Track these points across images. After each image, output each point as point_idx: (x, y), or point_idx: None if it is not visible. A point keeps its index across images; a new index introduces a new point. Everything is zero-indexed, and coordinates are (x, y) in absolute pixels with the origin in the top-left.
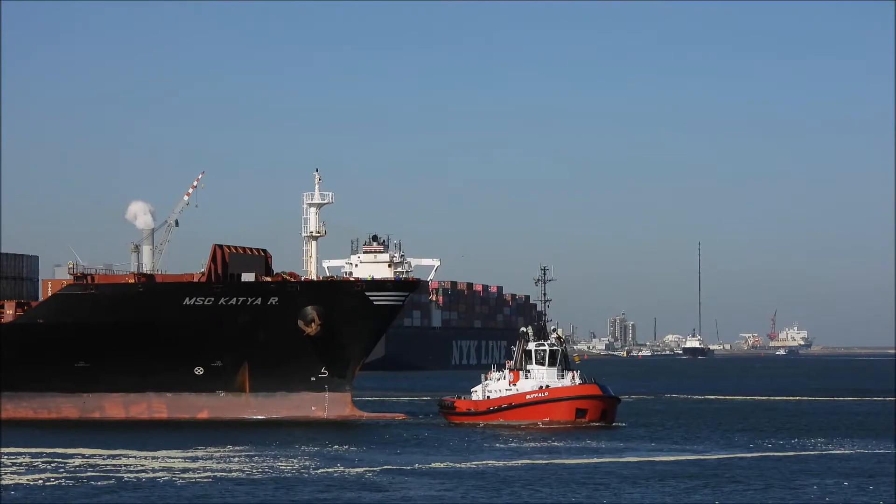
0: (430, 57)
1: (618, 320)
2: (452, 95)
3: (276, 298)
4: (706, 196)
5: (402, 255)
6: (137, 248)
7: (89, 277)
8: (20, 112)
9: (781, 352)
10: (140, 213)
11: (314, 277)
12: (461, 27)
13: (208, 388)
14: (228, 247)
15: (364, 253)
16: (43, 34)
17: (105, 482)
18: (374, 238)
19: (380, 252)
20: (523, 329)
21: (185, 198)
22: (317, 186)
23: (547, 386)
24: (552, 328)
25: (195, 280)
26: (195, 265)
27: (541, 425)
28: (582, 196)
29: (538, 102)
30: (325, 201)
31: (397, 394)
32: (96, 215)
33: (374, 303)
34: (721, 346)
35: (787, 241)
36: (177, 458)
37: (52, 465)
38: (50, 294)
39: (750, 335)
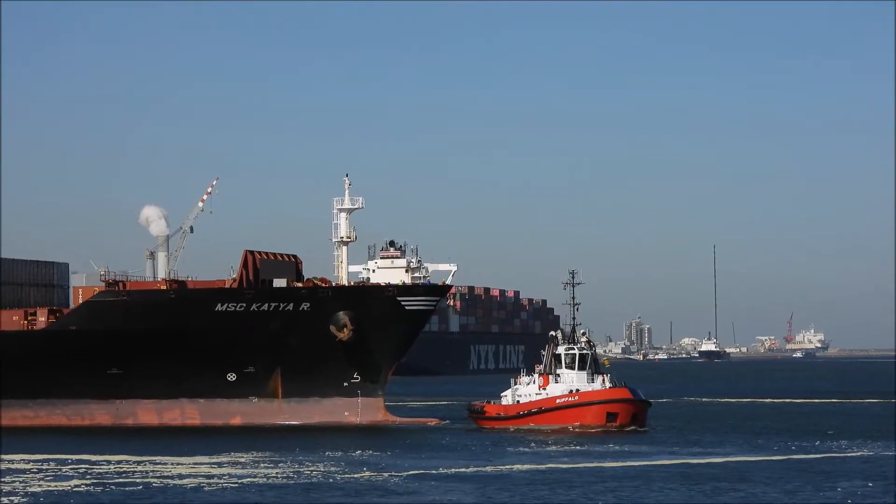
0: (431, 56)
1: (634, 324)
2: (458, 97)
3: (308, 304)
4: (721, 198)
5: (418, 261)
6: (153, 255)
7: (121, 284)
8: (26, 115)
9: (798, 354)
10: (153, 219)
11: (345, 283)
12: (479, 26)
13: (241, 393)
14: (260, 252)
15: (381, 258)
16: (59, 35)
17: (132, 488)
18: (391, 244)
19: (397, 258)
20: (552, 333)
21: (200, 204)
22: (347, 192)
23: (577, 390)
24: (581, 332)
25: (227, 286)
26: (212, 271)
27: (571, 429)
28: (598, 200)
29: (552, 105)
30: (356, 206)
31: (418, 399)
32: (107, 220)
33: (406, 308)
34: (737, 349)
35: (803, 243)
36: (204, 463)
37: (80, 470)
38: (81, 301)
39: (766, 338)
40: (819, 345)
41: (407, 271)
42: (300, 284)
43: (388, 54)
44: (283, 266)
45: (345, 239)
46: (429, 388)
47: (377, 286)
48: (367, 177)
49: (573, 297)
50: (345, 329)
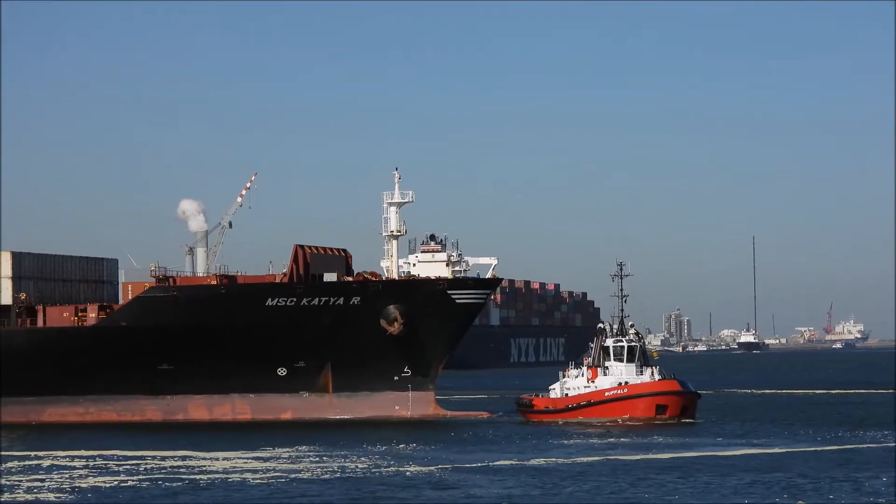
0: (472, 54)
1: (673, 316)
2: (500, 93)
3: (359, 298)
4: (760, 189)
5: (459, 255)
6: (192, 251)
7: (171, 280)
8: (68, 111)
9: (838, 345)
10: (191, 214)
11: (395, 277)
12: (521, 26)
13: (291, 388)
14: (310, 247)
15: (422, 252)
16: (97, 31)
17: (177, 483)
18: (432, 237)
19: (437, 251)
20: (601, 325)
21: (239, 199)
22: (397, 186)
23: (626, 382)
24: (630, 324)
25: (277, 281)
26: (251, 266)
27: (620, 422)
28: (639, 192)
29: (592, 102)
30: (406, 200)
31: (461, 392)
32: (144, 216)
33: (456, 301)
34: (777, 341)
35: (843, 233)
36: (248, 458)
37: (124, 467)
38: (131, 297)
39: (806, 329)
40: (859, 335)
41: (447, 265)
42: (350, 279)
43: (427, 53)
44: (334, 260)
45: (395, 233)
46: (471, 381)
47: (428, 280)
48: (408, 171)
49: (621, 290)
50: (395, 323)
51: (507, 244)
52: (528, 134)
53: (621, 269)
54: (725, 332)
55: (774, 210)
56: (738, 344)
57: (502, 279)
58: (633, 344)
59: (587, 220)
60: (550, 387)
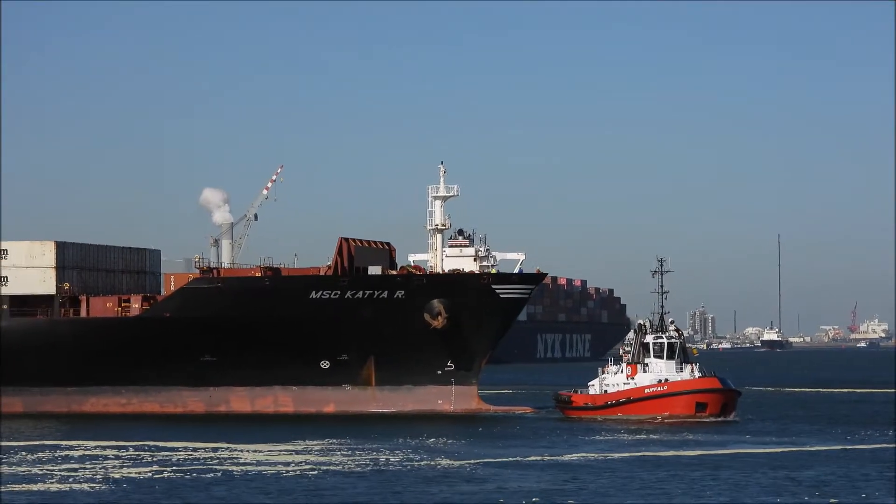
0: (495, 47)
1: (697, 313)
2: (529, 86)
3: (403, 292)
4: (786, 188)
5: (487, 250)
6: (217, 242)
7: (216, 271)
8: (95, 102)
9: (862, 344)
10: (215, 204)
11: (439, 270)
12: (567, 19)
13: (334, 381)
14: (354, 240)
15: (450, 247)
16: (126, 22)
17: (211, 475)
18: (460, 232)
19: (465, 246)
20: (640, 322)
21: (264, 192)
22: (442, 179)
23: (666, 379)
24: (670, 320)
25: (321, 273)
26: (276, 258)
27: (660, 420)
28: (666, 190)
29: (621, 98)
30: (451, 194)
31: (494, 387)
32: (167, 205)
33: (501, 296)
34: (801, 339)
35: (868, 232)
36: (281, 450)
37: (157, 458)
38: (173, 288)
39: (830, 328)
40: (883, 335)
41: (475, 260)
42: (395, 272)
43: (449, 47)
44: (378, 254)
45: (439, 226)
46: (500, 376)
47: (472, 274)
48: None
49: (661, 285)
50: (439, 317)
51: (534, 239)
52: (557, 129)
53: (661, 265)
54: (750, 330)
55: (800, 208)
56: (762, 342)
57: (546, 274)
58: (673, 340)
59: (614, 217)
60: (589, 383)
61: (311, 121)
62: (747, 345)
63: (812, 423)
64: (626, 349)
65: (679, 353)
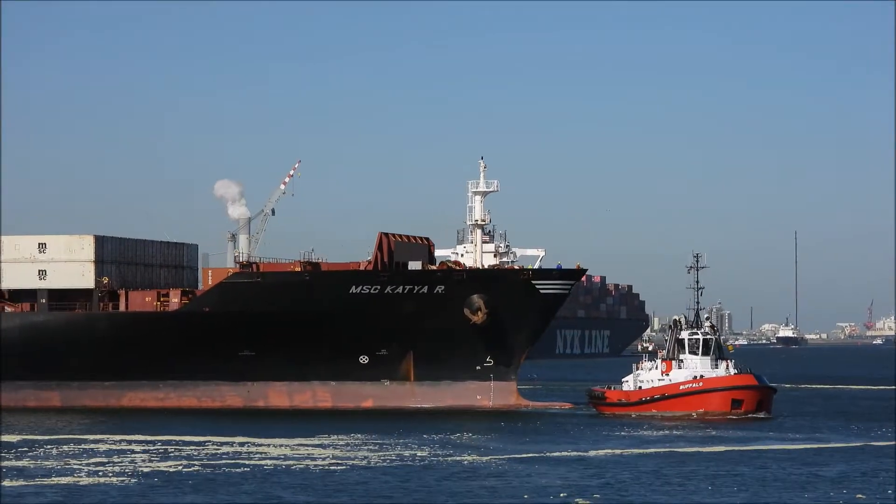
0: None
1: (714, 309)
2: (548, 83)
3: (443, 287)
4: (802, 185)
5: (507, 246)
6: (234, 237)
7: (255, 266)
8: (109, 94)
9: (878, 341)
10: (231, 198)
11: (479, 266)
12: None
13: (373, 376)
14: (394, 235)
15: (470, 243)
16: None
17: (240, 469)
18: (470, 228)
19: (485, 242)
20: (675, 317)
21: (282, 187)
22: (482, 174)
23: (701, 376)
24: (705, 316)
25: (362, 268)
26: (288, 253)
27: (695, 416)
28: (683, 188)
29: (636, 95)
30: (491, 189)
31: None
32: (181, 197)
33: (541, 291)
34: (817, 336)
35: (884, 229)
36: (305, 445)
37: (184, 453)
38: (211, 282)
39: (847, 325)
40: None
41: (495, 256)
42: (434, 267)
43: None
44: (417, 249)
45: (479, 222)
46: (525, 370)
47: (512, 269)
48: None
49: (697, 281)
50: (479, 312)
51: (554, 234)
52: (575, 127)
53: (697, 261)
54: (766, 327)
55: (817, 205)
56: (777, 338)
57: (586, 270)
58: (708, 337)
59: (632, 213)
60: (623, 379)
61: (328, 118)
62: (763, 341)
63: (848, 420)
64: (645, 344)
65: (714, 349)
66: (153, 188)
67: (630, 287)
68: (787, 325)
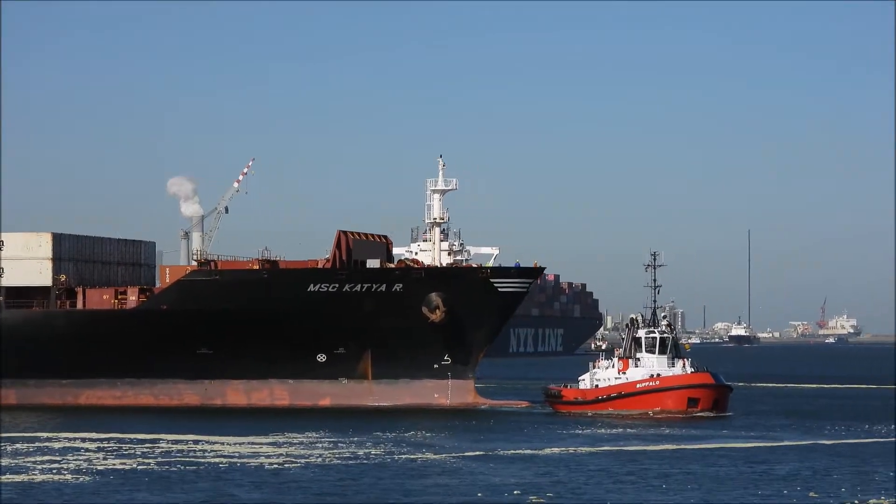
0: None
1: (668, 308)
2: (506, 83)
3: (401, 285)
4: (756, 182)
5: (461, 244)
6: (187, 235)
7: (213, 263)
8: (63, 90)
9: (830, 340)
10: (184, 196)
11: (438, 264)
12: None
13: (330, 375)
14: (353, 233)
15: (423, 241)
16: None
17: (194, 467)
18: (428, 226)
19: (440, 241)
20: (633, 316)
21: (235, 185)
22: (441, 173)
23: (658, 374)
24: (662, 315)
25: (320, 266)
26: (241, 251)
27: (651, 415)
28: (636, 186)
29: (587, 99)
30: (450, 188)
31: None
32: (132, 195)
33: (499, 290)
34: (770, 335)
35: (837, 228)
36: (259, 443)
37: (139, 450)
38: (169, 280)
39: (799, 323)
40: (852, 330)
41: (449, 254)
42: (392, 265)
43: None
44: (376, 247)
45: (438, 220)
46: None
47: (470, 268)
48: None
49: (654, 279)
50: (437, 311)
51: (507, 234)
52: (528, 124)
53: (654, 259)
54: (719, 325)
55: (771, 204)
56: (730, 337)
57: (544, 269)
58: (665, 335)
59: (586, 212)
60: (580, 377)
61: (281, 116)
62: (716, 340)
63: (801, 418)
64: (599, 343)
65: (671, 347)
66: (108, 185)
67: (584, 286)
68: (739, 323)
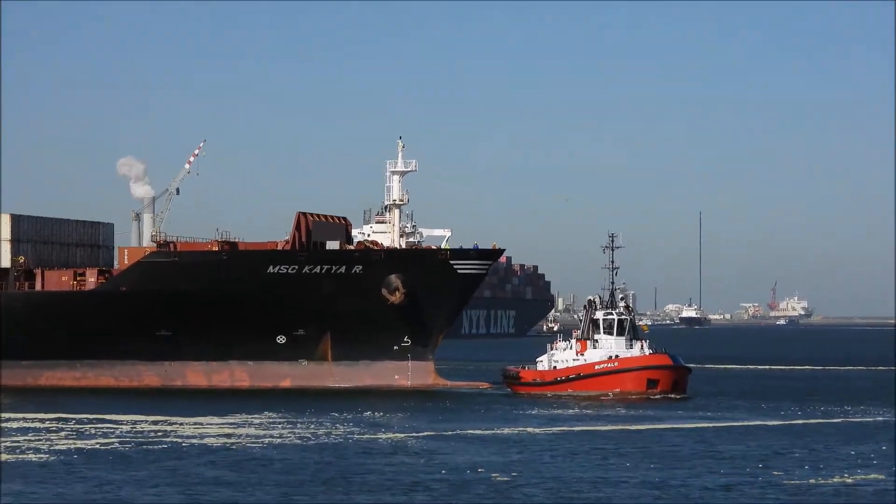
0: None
1: (618, 289)
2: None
3: (361, 267)
4: (707, 164)
5: (413, 226)
6: (138, 217)
7: (172, 245)
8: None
9: (781, 322)
10: (133, 176)
11: (397, 246)
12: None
13: (291, 356)
14: (312, 214)
15: (376, 223)
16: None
17: (156, 447)
18: (387, 208)
19: (399, 223)
20: (590, 297)
21: (187, 166)
22: (400, 154)
23: (616, 356)
24: (620, 297)
25: (279, 248)
26: (197, 232)
27: (610, 396)
28: (588, 163)
29: (545, 77)
30: (409, 169)
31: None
32: (83, 174)
33: (458, 271)
34: (721, 316)
35: (788, 211)
36: (215, 424)
37: (101, 431)
38: (128, 262)
39: (750, 305)
40: (803, 312)
41: (402, 236)
42: (352, 247)
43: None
44: (335, 228)
45: (397, 202)
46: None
47: (429, 250)
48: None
49: (612, 261)
50: (397, 292)
51: (459, 214)
52: (486, 101)
53: (612, 241)
54: (670, 307)
55: (722, 184)
56: (681, 319)
57: (504, 250)
58: (623, 317)
59: (539, 194)
60: (538, 359)
61: (238, 96)
62: (668, 322)
63: (758, 399)
64: (551, 325)
65: (629, 329)
66: (62, 167)
67: (536, 267)
68: (690, 305)
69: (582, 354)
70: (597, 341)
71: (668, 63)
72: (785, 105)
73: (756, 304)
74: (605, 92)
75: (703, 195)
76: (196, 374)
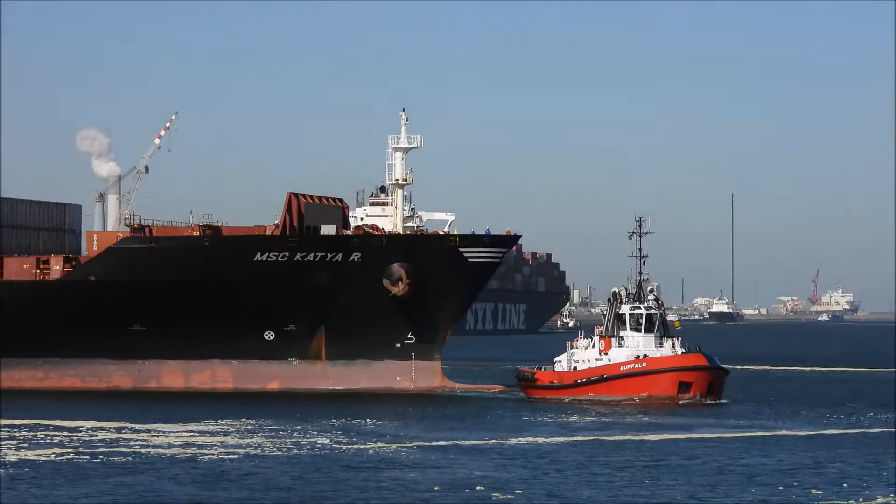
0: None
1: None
2: (463, 34)
3: (359, 254)
4: (742, 145)
5: (412, 209)
6: (102, 197)
7: (147, 230)
8: None
9: (824, 317)
10: (96, 151)
11: (399, 231)
12: None
13: (280, 355)
14: (305, 195)
15: (371, 206)
16: None
17: (120, 458)
18: (382, 189)
19: (387, 205)
20: (615, 290)
21: (157, 141)
22: (403, 129)
23: (644, 355)
24: (649, 288)
25: (268, 233)
26: (168, 214)
27: (637, 400)
28: (610, 148)
29: (559, 61)
30: (413, 145)
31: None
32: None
33: (469, 260)
34: (756, 311)
35: (832, 193)
36: (193, 431)
37: (56, 439)
38: (97, 248)
39: (789, 298)
40: (847, 307)
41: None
42: (350, 232)
43: None
44: (331, 211)
45: (400, 181)
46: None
47: (437, 235)
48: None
49: (640, 249)
50: (400, 283)
51: (465, 198)
52: (495, 81)
53: (640, 226)
54: (699, 301)
55: (757, 165)
56: (710, 314)
57: (520, 236)
58: (652, 311)
59: (551, 176)
60: (556, 359)
61: (208, 64)
62: (696, 317)
63: (794, 405)
64: (565, 320)
65: (659, 325)
66: (15, 143)
67: (549, 256)
68: (721, 298)
69: (606, 354)
70: (623, 339)
71: (692, 33)
72: (828, 76)
73: (795, 298)
74: (626, 62)
75: (736, 175)
76: (173, 375)
